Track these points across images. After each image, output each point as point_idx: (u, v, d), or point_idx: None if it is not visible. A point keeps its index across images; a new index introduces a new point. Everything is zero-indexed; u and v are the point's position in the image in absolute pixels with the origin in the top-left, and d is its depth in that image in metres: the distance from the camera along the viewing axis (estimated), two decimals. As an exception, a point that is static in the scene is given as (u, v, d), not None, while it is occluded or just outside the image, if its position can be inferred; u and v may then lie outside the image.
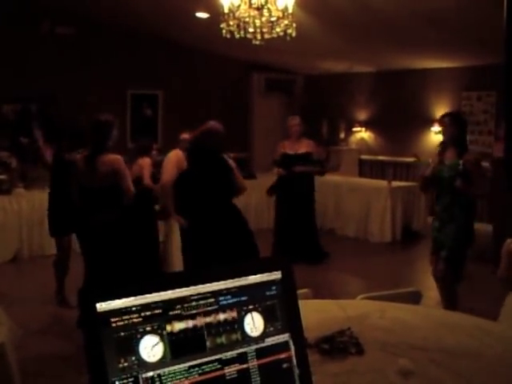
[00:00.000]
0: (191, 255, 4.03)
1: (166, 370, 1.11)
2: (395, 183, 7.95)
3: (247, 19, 4.75)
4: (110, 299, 1.09)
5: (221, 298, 1.20)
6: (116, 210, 4.04)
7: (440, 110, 8.50)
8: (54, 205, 4.91)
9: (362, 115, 9.69)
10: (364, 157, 9.68)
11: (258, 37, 4.87)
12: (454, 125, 4.18)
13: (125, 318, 1.10)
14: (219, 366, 1.17)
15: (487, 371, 1.81)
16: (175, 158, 4.05)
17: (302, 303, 1.33)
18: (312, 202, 6.56)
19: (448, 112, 4.62)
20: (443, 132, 4.30)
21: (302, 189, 6.37)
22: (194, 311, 1.17)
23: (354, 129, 9.75)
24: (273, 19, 4.77)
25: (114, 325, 1.09)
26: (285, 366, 1.24)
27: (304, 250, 6.39)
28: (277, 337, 1.25)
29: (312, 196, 6.55)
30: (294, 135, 6.37)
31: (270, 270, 1.28)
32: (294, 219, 6.39)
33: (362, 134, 9.73)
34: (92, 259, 4.14)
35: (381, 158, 9.31)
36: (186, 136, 5.79)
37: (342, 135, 9.87)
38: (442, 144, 4.23)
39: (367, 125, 9.66)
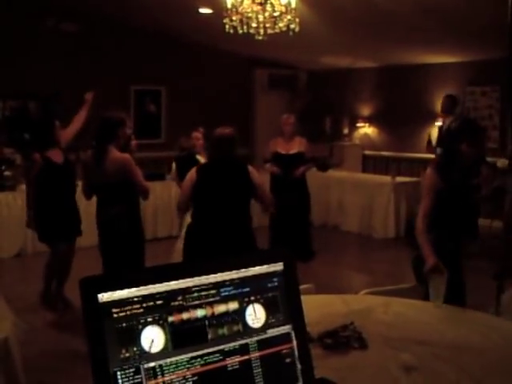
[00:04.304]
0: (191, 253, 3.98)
1: (168, 360, 1.11)
2: (399, 179, 7.91)
3: (250, 14, 4.75)
4: (112, 290, 1.09)
5: (222, 290, 1.20)
6: (124, 204, 4.04)
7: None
8: (43, 209, 4.74)
9: (366, 111, 9.67)
10: (367, 152, 9.66)
11: (261, 32, 4.87)
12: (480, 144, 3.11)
13: (126, 308, 1.10)
14: (221, 358, 1.17)
15: (490, 366, 1.81)
16: (189, 176, 3.93)
17: (305, 298, 1.33)
18: (307, 198, 6.46)
19: (462, 128, 3.14)
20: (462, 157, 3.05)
21: (294, 185, 6.28)
22: (196, 302, 1.17)
23: (358, 124, 9.73)
24: (276, 14, 4.76)
25: (115, 315, 1.09)
26: (286, 357, 1.24)
27: (295, 248, 6.29)
28: (278, 328, 1.25)
29: (306, 191, 6.45)
30: (286, 134, 6.31)
31: (271, 262, 1.27)
32: (289, 216, 6.27)
33: (366, 129, 9.71)
34: (103, 252, 4.14)
35: (384, 153, 9.28)
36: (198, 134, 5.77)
37: (346, 131, 9.86)
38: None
39: (371, 120, 9.63)
